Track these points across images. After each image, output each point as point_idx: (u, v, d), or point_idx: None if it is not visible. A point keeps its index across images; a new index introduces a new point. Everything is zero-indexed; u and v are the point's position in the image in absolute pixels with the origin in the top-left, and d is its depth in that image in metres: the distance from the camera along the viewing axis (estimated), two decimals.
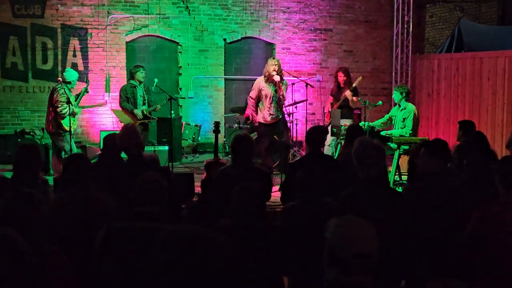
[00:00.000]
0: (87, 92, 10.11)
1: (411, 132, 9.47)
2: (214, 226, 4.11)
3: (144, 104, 10.29)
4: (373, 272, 2.60)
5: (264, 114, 9.70)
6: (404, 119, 9.62)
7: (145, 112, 10.20)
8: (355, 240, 2.58)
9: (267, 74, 9.55)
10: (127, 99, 10.19)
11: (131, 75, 10.39)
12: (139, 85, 10.26)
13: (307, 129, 6.66)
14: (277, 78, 9.27)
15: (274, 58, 9.82)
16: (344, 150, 6.92)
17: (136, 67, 10.34)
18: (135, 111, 10.12)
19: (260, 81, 9.68)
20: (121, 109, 10.32)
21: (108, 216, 4.25)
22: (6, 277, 2.22)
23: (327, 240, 2.65)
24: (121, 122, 10.22)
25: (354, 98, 10.49)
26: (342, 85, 10.78)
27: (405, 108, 9.66)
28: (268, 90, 9.60)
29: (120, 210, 4.43)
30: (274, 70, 9.47)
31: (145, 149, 8.61)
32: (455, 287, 2.80)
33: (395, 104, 9.95)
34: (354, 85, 10.58)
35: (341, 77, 10.76)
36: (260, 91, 9.64)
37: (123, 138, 5.62)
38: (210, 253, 1.99)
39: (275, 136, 9.72)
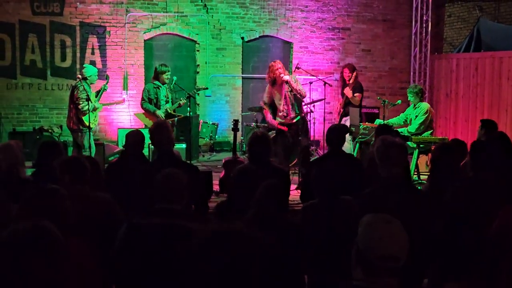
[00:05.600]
0: (106, 89, 10.05)
1: (413, 131, 9.44)
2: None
3: (167, 103, 10.06)
4: (400, 275, 2.52)
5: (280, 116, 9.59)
6: (416, 117, 9.63)
7: (169, 111, 9.98)
8: (384, 241, 2.48)
9: (272, 79, 9.28)
10: (149, 100, 9.91)
11: (156, 75, 10.05)
12: (163, 85, 10.02)
13: (326, 128, 6.64)
14: (286, 77, 9.09)
15: (275, 62, 9.51)
16: (372, 149, 6.91)
17: (163, 66, 10.04)
18: (157, 112, 9.85)
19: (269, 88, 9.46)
20: (142, 110, 10.07)
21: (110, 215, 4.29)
22: (43, 268, 2.25)
23: (357, 238, 2.58)
24: (146, 127, 9.89)
25: (357, 96, 10.61)
26: (347, 82, 11.01)
27: (418, 107, 9.66)
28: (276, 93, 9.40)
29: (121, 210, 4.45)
30: (280, 72, 9.19)
31: None
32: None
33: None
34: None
35: (346, 73, 11.04)
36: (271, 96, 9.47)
37: (155, 133, 5.60)
38: (252, 254, 1.97)
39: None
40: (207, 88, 11.16)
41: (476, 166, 4.77)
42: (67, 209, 3.28)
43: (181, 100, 10.00)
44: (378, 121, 9.81)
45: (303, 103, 9.64)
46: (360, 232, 2.57)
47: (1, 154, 5.01)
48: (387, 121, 9.69)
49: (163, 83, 10.01)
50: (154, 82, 10.04)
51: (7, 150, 5.06)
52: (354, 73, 11.15)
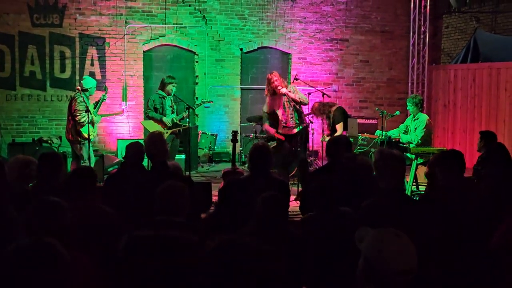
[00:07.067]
0: (105, 99, 10.09)
1: (419, 141, 9.43)
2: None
3: (173, 113, 10.18)
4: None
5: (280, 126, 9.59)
6: (415, 128, 9.61)
7: (175, 120, 10.10)
8: (400, 256, 2.44)
9: (271, 91, 9.30)
10: (155, 109, 10.02)
11: (162, 85, 10.17)
12: (168, 96, 10.13)
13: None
14: (283, 90, 9.16)
15: (272, 74, 9.52)
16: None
17: (170, 78, 10.16)
18: (164, 119, 9.98)
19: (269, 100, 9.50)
20: (149, 119, 10.15)
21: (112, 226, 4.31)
22: (46, 284, 2.26)
23: (364, 255, 2.52)
24: None
25: (337, 127, 10.49)
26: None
27: (418, 119, 9.65)
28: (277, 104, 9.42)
29: (122, 221, 4.45)
30: (278, 85, 9.22)
31: None
32: None
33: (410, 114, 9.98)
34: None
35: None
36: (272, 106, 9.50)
37: (148, 145, 5.66)
38: (260, 265, 1.99)
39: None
40: (211, 102, 11.21)
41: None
42: (68, 221, 3.29)
43: (185, 113, 10.05)
44: (378, 132, 9.81)
45: (303, 114, 9.69)
46: (369, 248, 2.51)
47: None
48: (387, 132, 9.70)
49: (168, 94, 10.12)
50: (159, 92, 10.14)
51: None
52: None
